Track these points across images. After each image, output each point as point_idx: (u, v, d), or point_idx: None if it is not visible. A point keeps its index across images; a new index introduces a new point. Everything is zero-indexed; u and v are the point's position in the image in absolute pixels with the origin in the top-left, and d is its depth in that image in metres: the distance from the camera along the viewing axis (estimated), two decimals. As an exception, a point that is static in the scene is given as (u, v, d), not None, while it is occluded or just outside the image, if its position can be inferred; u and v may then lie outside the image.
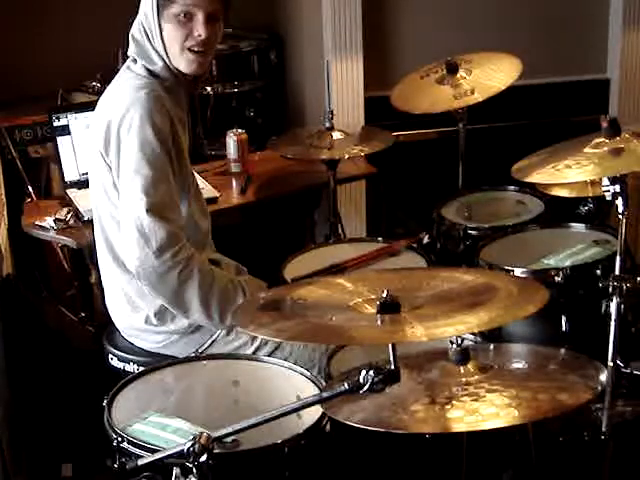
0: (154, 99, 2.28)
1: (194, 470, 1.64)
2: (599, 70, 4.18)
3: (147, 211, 2.22)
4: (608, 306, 2.06)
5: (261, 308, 1.82)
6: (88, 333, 3.21)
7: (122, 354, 2.48)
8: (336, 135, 3.16)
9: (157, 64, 2.35)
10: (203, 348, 2.40)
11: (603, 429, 2.11)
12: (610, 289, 2.04)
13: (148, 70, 2.36)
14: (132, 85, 2.33)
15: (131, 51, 2.39)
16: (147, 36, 2.34)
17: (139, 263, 2.24)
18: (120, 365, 2.48)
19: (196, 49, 2.32)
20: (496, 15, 3.99)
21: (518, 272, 2.49)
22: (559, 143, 2.35)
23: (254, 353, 2.38)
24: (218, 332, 2.40)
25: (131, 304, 2.43)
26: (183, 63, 2.34)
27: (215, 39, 2.35)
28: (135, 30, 2.37)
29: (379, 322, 1.66)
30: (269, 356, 2.34)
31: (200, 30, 2.29)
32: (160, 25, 2.31)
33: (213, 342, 2.40)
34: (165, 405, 2.09)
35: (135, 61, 2.38)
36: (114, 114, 2.29)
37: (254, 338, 2.38)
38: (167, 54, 2.33)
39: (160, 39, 2.32)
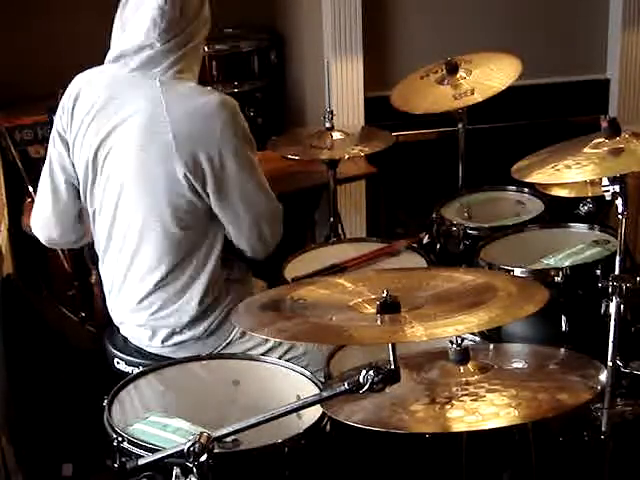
0: (238, 113, 2.28)
1: (194, 470, 1.64)
2: (599, 70, 4.18)
3: (276, 208, 2.44)
4: (608, 306, 2.06)
5: (261, 308, 1.82)
6: (88, 333, 3.21)
7: (122, 354, 2.46)
8: (336, 135, 3.16)
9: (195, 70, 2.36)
10: (218, 350, 2.38)
11: (603, 429, 2.12)
12: (610, 289, 2.04)
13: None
14: (212, 102, 2.25)
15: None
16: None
17: (268, 249, 2.43)
18: (128, 369, 2.43)
19: None
20: (496, 15, 3.99)
21: (518, 272, 2.49)
22: (559, 143, 2.35)
23: (267, 352, 2.36)
24: (233, 334, 2.38)
25: (150, 325, 2.38)
26: None
27: None
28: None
29: (379, 322, 1.66)
30: (282, 357, 2.33)
31: None
32: None
33: (229, 344, 2.39)
34: (165, 405, 2.09)
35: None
36: (207, 143, 2.22)
37: (267, 339, 2.35)
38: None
39: None
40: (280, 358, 2.29)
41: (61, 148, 2.41)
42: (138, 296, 2.36)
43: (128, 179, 2.28)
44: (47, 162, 2.46)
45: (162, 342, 2.38)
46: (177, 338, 2.38)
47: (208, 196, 2.26)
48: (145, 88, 2.25)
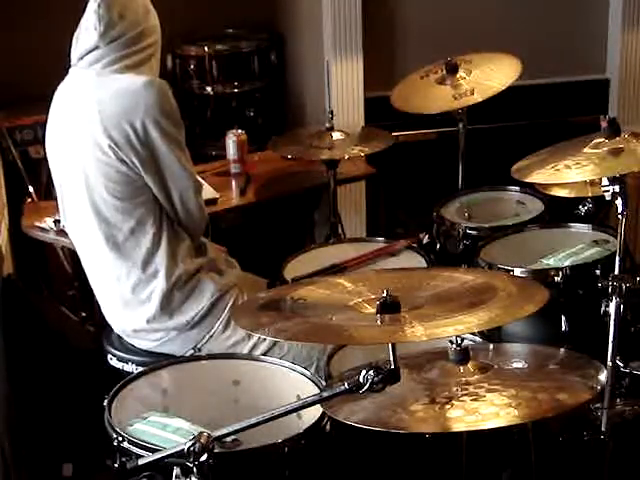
0: (168, 91, 2.39)
1: (194, 470, 1.64)
2: (599, 70, 4.18)
3: (197, 182, 2.46)
4: (607, 306, 2.06)
5: (261, 308, 1.82)
6: (88, 333, 3.21)
7: (121, 354, 2.49)
8: (336, 135, 3.16)
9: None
10: (200, 344, 2.41)
11: (603, 429, 2.12)
12: (609, 289, 2.04)
13: None
14: (142, 81, 2.37)
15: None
16: None
17: (201, 223, 2.48)
18: (119, 365, 2.49)
19: None
20: (496, 15, 3.99)
21: (518, 272, 2.49)
22: (559, 143, 2.35)
23: (252, 349, 2.39)
24: (215, 328, 2.41)
25: (128, 304, 2.43)
26: None
27: None
28: None
29: (379, 322, 1.67)
30: (267, 352, 2.36)
31: None
32: None
33: (210, 338, 2.41)
34: (165, 405, 2.10)
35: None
36: (135, 114, 2.33)
37: (250, 334, 2.39)
38: None
39: None
40: (264, 354, 2.34)
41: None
42: (110, 276, 2.44)
43: (71, 169, 2.43)
44: None
45: (147, 322, 2.41)
46: (160, 324, 2.40)
47: (138, 167, 2.35)
48: (83, 82, 2.41)
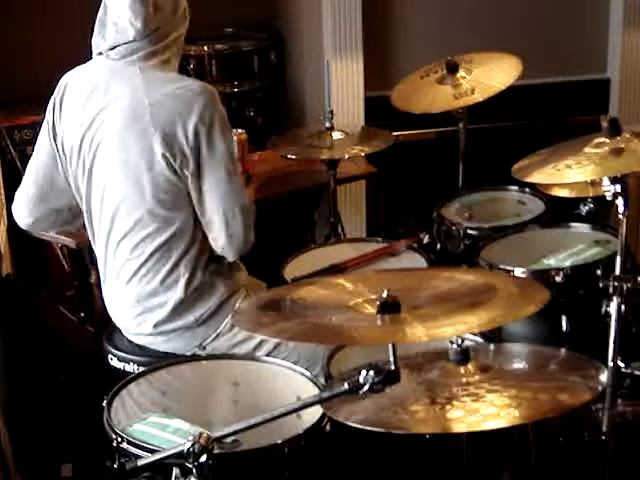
0: (218, 100, 2.31)
1: (194, 470, 1.64)
2: (599, 70, 4.18)
3: (246, 201, 2.34)
4: (608, 306, 2.06)
5: (261, 308, 1.81)
6: (88, 333, 3.21)
7: (122, 354, 2.47)
8: (336, 135, 3.16)
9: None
10: (206, 342, 2.39)
11: (603, 429, 2.11)
12: (610, 289, 2.04)
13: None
14: (194, 89, 2.29)
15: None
16: None
17: (244, 245, 2.36)
18: (120, 365, 2.47)
19: None
20: (496, 15, 3.99)
21: (518, 272, 2.49)
22: (559, 143, 2.35)
23: (257, 347, 2.38)
24: (222, 327, 2.39)
25: (139, 307, 2.39)
26: None
27: None
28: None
29: (379, 322, 1.66)
30: (272, 351, 2.35)
31: None
32: None
33: (217, 335, 2.39)
34: (165, 405, 2.09)
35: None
36: (191, 125, 2.25)
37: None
38: None
39: None
40: (269, 354, 2.32)
41: (52, 142, 2.45)
42: (126, 276, 2.39)
43: (113, 164, 2.32)
44: (35, 154, 2.50)
45: (154, 327, 2.38)
46: (167, 326, 2.38)
47: (186, 177, 2.29)
48: (126, 75, 2.31)
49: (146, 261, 2.35)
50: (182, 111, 2.24)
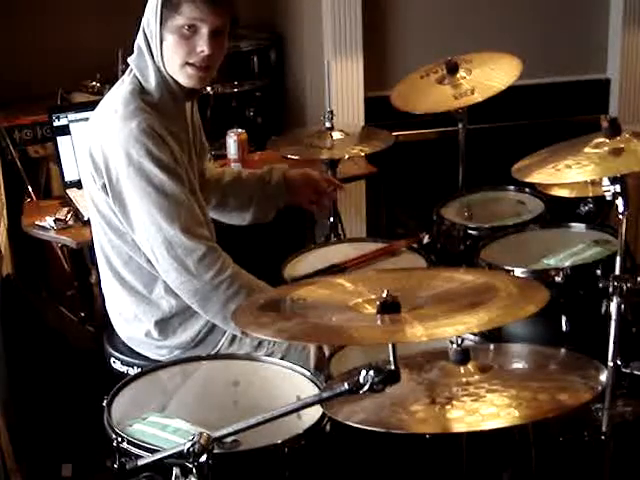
0: (144, 132, 2.20)
1: (194, 470, 1.64)
2: (599, 70, 4.18)
3: (173, 237, 2.20)
4: (608, 306, 2.06)
5: (261, 308, 1.81)
6: (88, 333, 3.21)
7: (125, 358, 2.47)
8: (336, 135, 3.16)
9: (150, 82, 2.27)
10: None
11: (603, 429, 2.11)
12: (610, 289, 2.04)
13: (140, 85, 2.28)
14: (121, 114, 2.23)
15: (131, 59, 2.31)
16: (147, 44, 2.26)
17: (181, 287, 2.25)
18: (124, 369, 2.47)
19: (198, 65, 2.24)
20: (496, 15, 3.99)
21: (518, 272, 2.49)
22: (559, 143, 2.35)
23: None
24: (220, 344, 2.40)
25: (131, 317, 2.42)
26: (182, 77, 2.26)
27: (219, 55, 2.27)
28: (140, 37, 2.29)
29: (379, 322, 1.66)
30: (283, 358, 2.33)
31: (204, 46, 2.20)
32: (162, 35, 2.22)
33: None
34: (165, 405, 2.09)
35: (131, 71, 2.30)
36: (109, 152, 2.22)
37: (259, 344, 2.38)
38: (164, 66, 2.25)
39: (160, 49, 2.24)
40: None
41: None
42: (109, 283, 2.42)
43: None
44: None
45: (145, 335, 2.39)
46: (162, 341, 2.39)
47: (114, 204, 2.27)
48: None
49: (120, 275, 2.37)
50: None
